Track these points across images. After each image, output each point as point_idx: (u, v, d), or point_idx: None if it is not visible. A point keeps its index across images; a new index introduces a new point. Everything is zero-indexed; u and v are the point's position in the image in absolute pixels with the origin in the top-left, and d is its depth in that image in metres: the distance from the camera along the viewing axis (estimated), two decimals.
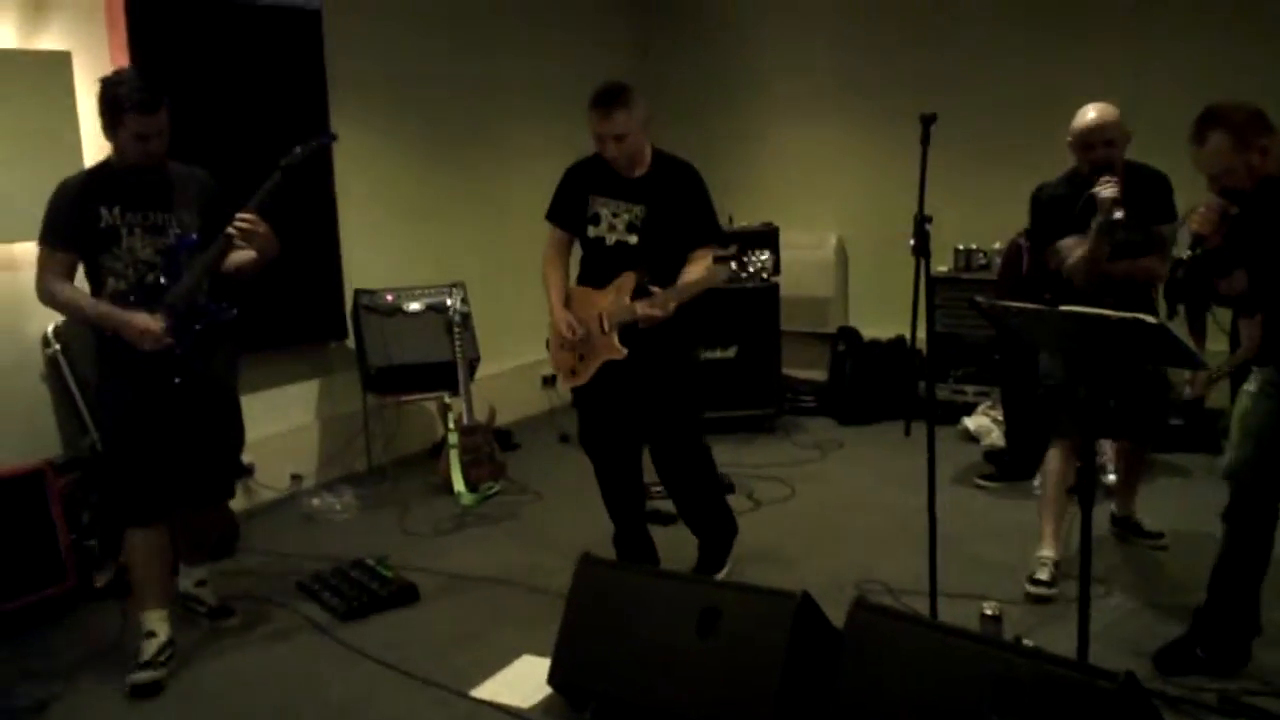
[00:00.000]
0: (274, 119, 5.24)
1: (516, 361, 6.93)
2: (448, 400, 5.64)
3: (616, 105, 3.89)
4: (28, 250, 4.41)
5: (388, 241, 6.09)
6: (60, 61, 4.46)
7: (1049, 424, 4.23)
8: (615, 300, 3.98)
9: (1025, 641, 3.42)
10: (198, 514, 3.98)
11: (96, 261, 3.61)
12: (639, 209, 4.00)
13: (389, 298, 5.78)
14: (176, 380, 3.60)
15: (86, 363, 4.47)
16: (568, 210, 4.17)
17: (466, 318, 5.79)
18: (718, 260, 4.02)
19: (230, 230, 3.57)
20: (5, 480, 4.02)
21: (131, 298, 3.57)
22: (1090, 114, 3.98)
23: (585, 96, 7.56)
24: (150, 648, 3.60)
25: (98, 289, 3.63)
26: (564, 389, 4.17)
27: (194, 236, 3.64)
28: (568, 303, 4.15)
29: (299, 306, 5.54)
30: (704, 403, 4.41)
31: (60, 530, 4.12)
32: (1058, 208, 4.07)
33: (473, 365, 5.77)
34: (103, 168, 3.67)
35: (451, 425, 5.51)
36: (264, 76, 5.27)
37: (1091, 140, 3.96)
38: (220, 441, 3.85)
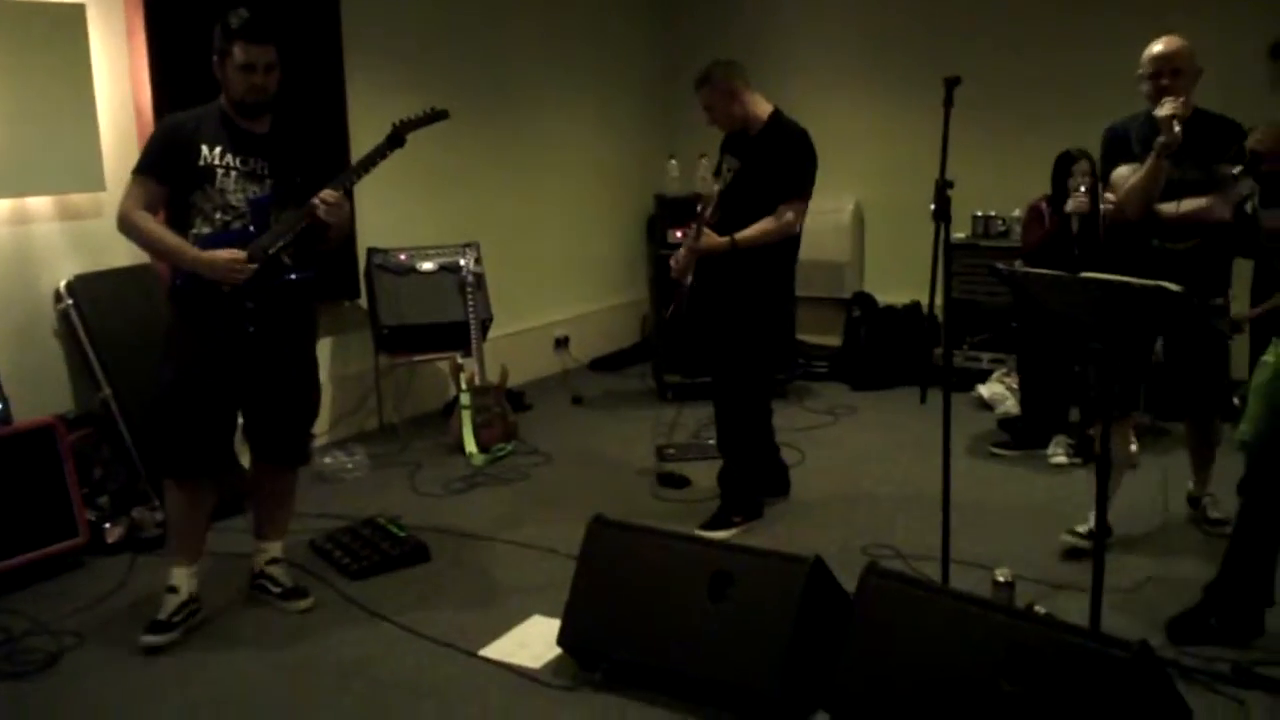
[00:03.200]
0: (288, 77, 5.18)
1: (529, 322, 6.92)
2: (460, 360, 5.62)
3: (701, 83, 4.36)
4: (40, 204, 4.44)
5: (401, 201, 6.04)
6: (75, 15, 4.42)
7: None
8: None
9: (1037, 609, 3.42)
10: (271, 478, 3.83)
11: (187, 200, 3.50)
12: (736, 162, 4.30)
13: (402, 257, 5.76)
14: (250, 329, 3.51)
15: (99, 317, 4.48)
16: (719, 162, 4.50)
17: (480, 278, 5.76)
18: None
19: (315, 201, 3.48)
20: (17, 435, 4.02)
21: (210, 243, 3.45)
22: (1158, 44, 3.86)
23: (604, 61, 7.58)
24: (170, 604, 3.58)
25: (181, 229, 3.51)
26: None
27: (268, 195, 3.53)
28: None
29: (310, 268, 5.50)
30: (762, 363, 4.48)
31: (72, 485, 4.12)
32: (1121, 140, 4.00)
33: (485, 325, 5.75)
34: (214, 108, 3.56)
35: (464, 385, 5.51)
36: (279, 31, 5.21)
37: (1158, 69, 3.83)
38: (293, 402, 3.74)
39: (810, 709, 2.95)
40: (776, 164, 4.25)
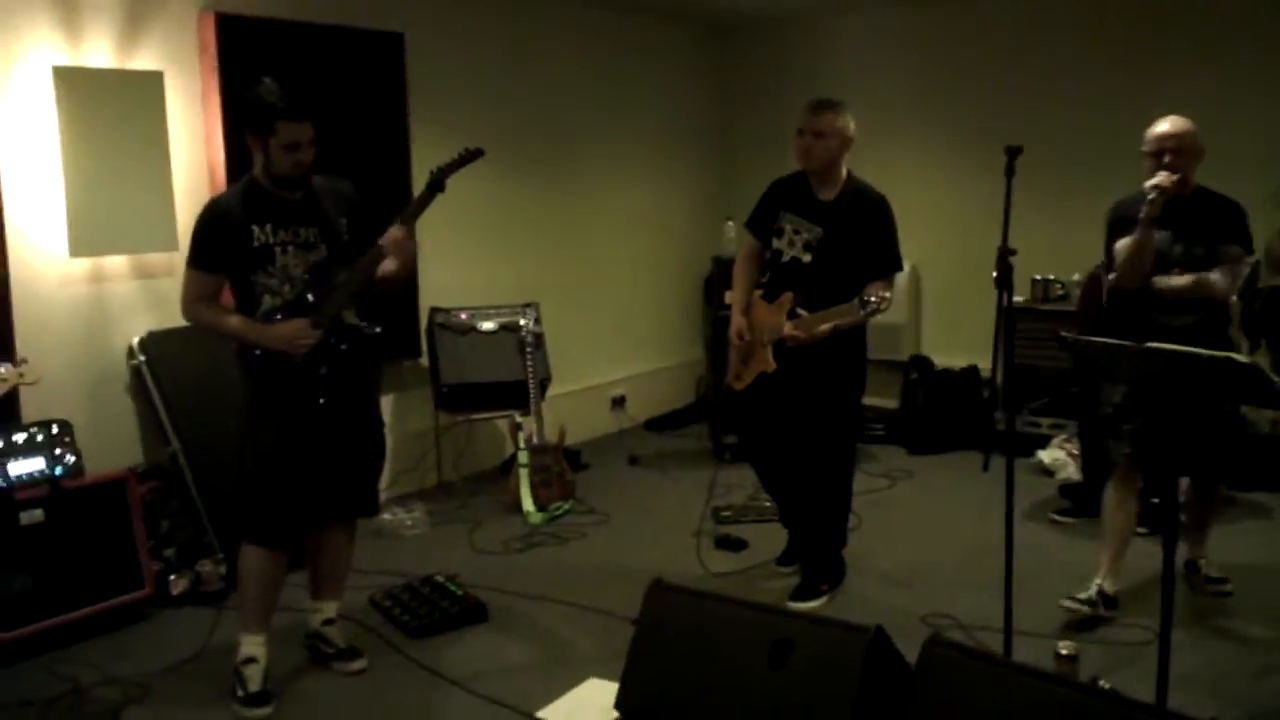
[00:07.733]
0: (358, 139, 5.32)
1: (587, 382, 6.97)
2: (519, 419, 5.67)
3: (826, 107, 4.15)
4: (116, 264, 4.58)
5: (464, 261, 6.15)
6: (153, 81, 4.58)
7: (1107, 453, 4.17)
8: (775, 316, 4.14)
9: (1101, 683, 3.36)
10: (338, 533, 3.83)
11: (249, 281, 3.50)
12: (818, 230, 4.15)
13: (463, 316, 5.84)
14: (321, 401, 3.54)
15: (169, 373, 4.59)
16: (761, 220, 4.37)
17: (539, 337, 5.82)
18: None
19: (381, 243, 3.52)
20: (90, 487, 4.11)
21: (278, 316, 3.49)
22: (1162, 124, 3.98)
23: (663, 122, 7.66)
24: (255, 675, 3.55)
25: (251, 308, 3.52)
26: (736, 388, 4.40)
27: (326, 260, 3.57)
28: (749, 310, 4.32)
29: (375, 324, 5.58)
30: (857, 432, 4.49)
31: (140, 537, 4.20)
32: (1125, 215, 4.03)
33: (544, 385, 5.80)
34: (251, 185, 3.54)
35: (522, 444, 5.54)
36: (349, 98, 5.35)
37: (1159, 148, 3.94)
38: (364, 458, 3.78)
39: None
40: (870, 235, 4.12)
